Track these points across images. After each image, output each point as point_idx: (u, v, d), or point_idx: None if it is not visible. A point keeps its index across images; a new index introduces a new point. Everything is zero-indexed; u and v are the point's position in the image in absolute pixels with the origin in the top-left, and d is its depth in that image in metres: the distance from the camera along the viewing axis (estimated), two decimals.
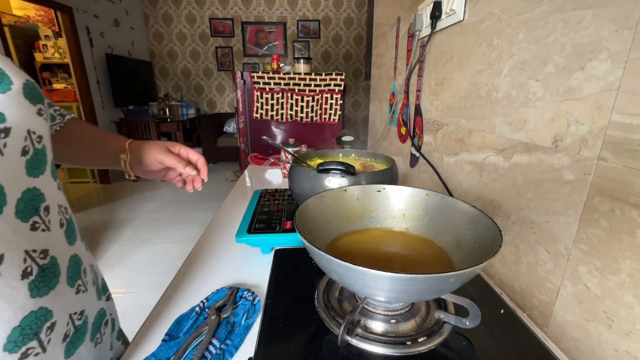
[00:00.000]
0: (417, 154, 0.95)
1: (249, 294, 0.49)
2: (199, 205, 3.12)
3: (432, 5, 0.78)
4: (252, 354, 0.37)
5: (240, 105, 1.74)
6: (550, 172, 0.45)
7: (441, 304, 0.44)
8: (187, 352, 0.39)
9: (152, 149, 0.51)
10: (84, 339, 0.33)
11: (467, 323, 0.37)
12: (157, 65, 4.51)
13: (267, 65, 2.05)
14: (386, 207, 0.53)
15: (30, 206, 0.27)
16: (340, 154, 0.85)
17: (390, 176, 0.66)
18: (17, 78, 0.27)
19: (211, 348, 0.40)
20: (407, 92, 1.03)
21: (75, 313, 0.31)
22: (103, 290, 0.40)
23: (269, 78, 1.67)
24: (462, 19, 0.68)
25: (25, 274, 0.26)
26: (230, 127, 4.41)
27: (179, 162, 0.51)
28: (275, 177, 1.23)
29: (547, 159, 0.46)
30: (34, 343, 0.27)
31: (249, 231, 0.64)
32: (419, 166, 0.95)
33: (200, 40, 4.43)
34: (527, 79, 0.50)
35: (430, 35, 0.82)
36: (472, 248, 0.41)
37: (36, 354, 0.27)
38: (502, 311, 0.44)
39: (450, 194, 0.72)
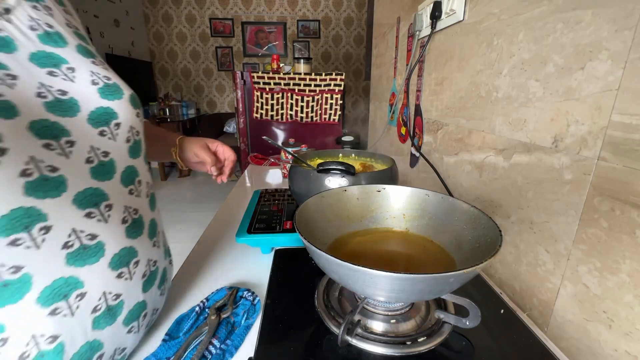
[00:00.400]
0: (417, 154, 0.95)
1: (249, 294, 0.49)
2: (199, 205, 3.12)
3: (432, 5, 0.78)
4: (252, 354, 0.37)
5: (240, 105, 1.74)
6: (550, 172, 0.45)
7: (441, 304, 0.44)
8: (187, 352, 0.39)
9: (194, 144, 0.63)
10: (115, 321, 0.36)
11: (467, 323, 0.37)
12: (157, 65, 4.51)
13: (267, 65, 2.05)
14: (386, 207, 0.53)
15: (130, 178, 0.38)
16: (340, 154, 0.85)
17: (390, 176, 0.66)
18: (126, 90, 0.39)
19: (211, 348, 0.40)
20: (407, 92, 1.03)
21: (110, 293, 0.35)
22: (154, 286, 0.42)
23: (269, 78, 1.67)
24: (462, 19, 0.68)
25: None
26: (230, 127, 4.41)
27: (209, 158, 0.62)
28: (275, 177, 1.24)
29: (547, 159, 0.46)
30: (62, 304, 0.31)
31: (249, 231, 0.64)
32: (419, 166, 0.95)
33: (200, 40, 4.43)
34: (527, 79, 0.50)
35: (430, 35, 0.82)
36: (472, 248, 0.41)
37: (64, 315, 0.31)
38: (502, 311, 0.44)
39: (450, 194, 0.72)
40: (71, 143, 0.32)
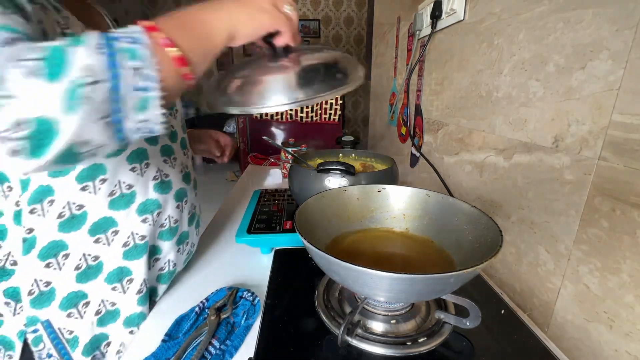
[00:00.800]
0: (417, 154, 0.95)
1: (249, 294, 0.49)
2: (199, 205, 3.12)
3: (432, 4, 0.78)
4: (252, 354, 0.37)
5: None
6: (551, 172, 0.45)
7: (441, 304, 0.44)
8: (186, 353, 0.39)
9: (200, 135, 0.77)
10: (172, 239, 0.51)
11: (468, 323, 0.37)
12: None
13: None
14: (386, 207, 0.53)
15: (167, 152, 0.50)
16: (340, 154, 0.85)
17: (390, 176, 0.66)
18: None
19: (211, 348, 0.40)
20: (407, 91, 1.03)
21: (172, 217, 0.50)
22: (195, 225, 0.59)
23: None
24: (462, 18, 0.68)
25: (110, 194, 0.43)
26: (230, 127, 4.40)
27: (211, 145, 0.78)
28: (275, 177, 1.23)
29: (547, 159, 0.46)
30: (149, 216, 0.46)
31: (249, 231, 0.64)
32: (419, 166, 0.95)
33: None
34: (528, 79, 0.50)
35: (430, 35, 0.82)
36: (472, 248, 0.41)
37: (150, 224, 0.46)
38: (502, 311, 0.44)
39: (451, 194, 0.72)
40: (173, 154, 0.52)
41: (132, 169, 0.43)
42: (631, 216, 0.34)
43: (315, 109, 1.73)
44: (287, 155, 1.13)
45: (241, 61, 0.49)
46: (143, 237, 0.45)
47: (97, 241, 0.42)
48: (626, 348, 0.36)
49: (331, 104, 1.72)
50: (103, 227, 0.42)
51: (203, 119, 4.28)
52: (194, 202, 0.57)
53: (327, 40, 4.44)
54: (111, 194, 0.42)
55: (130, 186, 0.43)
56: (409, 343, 0.38)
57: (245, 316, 0.46)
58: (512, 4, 0.53)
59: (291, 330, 0.41)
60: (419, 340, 0.38)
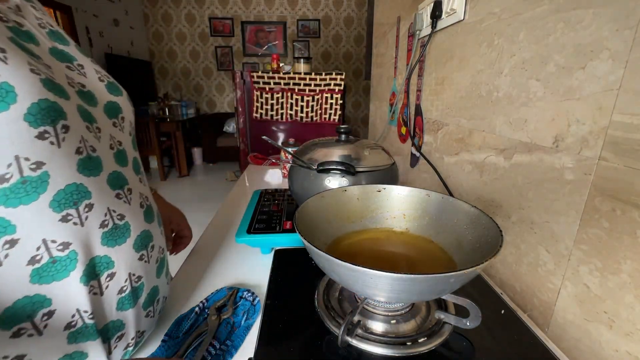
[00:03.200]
0: (417, 154, 0.95)
1: (249, 294, 0.49)
2: (199, 205, 3.12)
3: (432, 4, 0.78)
4: (252, 354, 0.37)
5: (240, 105, 1.74)
6: (551, 172, 0.45)
7: (441, 305, 0.44)
8: (187, 353, 0.39)
9: (166, 209, 0.62)
10: (137, 302, 0.38)
11: (468, 323, 0.37)
12: (157, 65, 4.51)
13: (267, 64, 2.05)
14: (386, 207, 0.53)
15: (136, 167, 0.40)
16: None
17: (390, 176, 0.66)
18: (123, 90, 0.41)
19: (211, 349, 0.40)
20: (407, 91, 1.03)
21: (134, 275, 0.37)
22: (163, 273, 0.44)
23: (268, 78, 1.67)
24: (462, 18, 0.68)
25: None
26: (230, 127, 4.41)
27: (167, 235, 0.62)
28: (275, 177, 1.23)
29: (547, 159, 0.46)
30: (95, 283, 0.33)
31: (249, 231, 0.64)
32: (419, 166, 0.95)
33: (200, 39, 4.43)
34: (528, 79, 0.50)
35: (430, 35, 0.82)
36: (472, 248, 0.41)
37: (95, 293, 0.33)
38: (502, 311, 0.44)
39: (451, 194, 0.72)
40: (99, 129, 0.34)
41: (64, 219, 0.29)
42: (631, 216, 0.34)
43: (315, 108, 1.73)
44: (287, 155, 1.13)
45: None
46: (91, 315, 0.32)
47: (15, 335, 0.28)
48: (626, 348, 0.36)
49: (331, 103, 1.72)
50: (21, 314, 0.28)
51: (203, 119, 4.28)
52: (161, 244, 0.43)
53: (327, 39, 4.45)
54: (32, 261, 0.28)
55: (65, 245, 0.29)
56: (409, 343, 0.38)
57: (245, 316, 0.46)
58: (512, 4, 0.53)
59: (291, 330, 0.41)
60: (419, 341, 0.38)
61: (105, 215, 0.33)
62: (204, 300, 0.48)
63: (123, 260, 0.35)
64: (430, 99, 0.87)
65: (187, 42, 4.43)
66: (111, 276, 0.34)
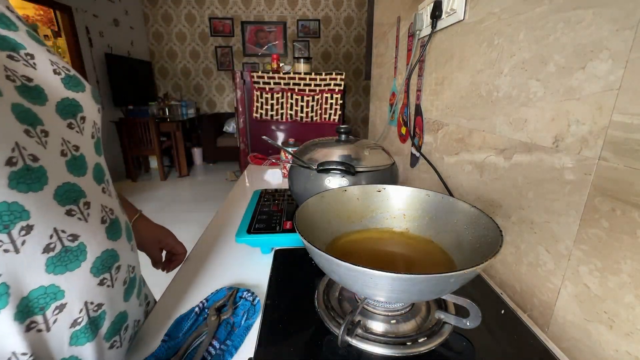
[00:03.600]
0: (417, 154, 0.95)
1: (249, 294, 0.49)
2: (199, 205, 3.12)
3: (432, 4, 0.78)
4: (252, 355, 0.37)
5: (240, 105, 1.74)
6: (551, 172, 0.45)
7: (441, 304, 0.44)
8: (186, 353, 0.39)
9: (148, 235, 0.60)
10: (97, 335, 0.33)
11: (468, 323, 0.37)
12: (157, 65, 4.51)
13: (267, 65, 2.05)
14: (386, 207, 0.53)
15: (99, 176, 0.34)
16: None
17: (390, 176, 0.66)
18: (87, 84, 0.36)
19: (210, 349, 0.40)
20: (407, 91, 1.03)
21: (92, 303, 0.32)
22: (133, 295, 0.39)
23: (268, 78, 1.67)
24: (462, 18, 0.68)
25: (47, 249, 0.28)
26: (230, 127, 4.41)
27: (157, 258, 0.62)
28: (275, 177, 1.23)
29: (547, 159, 0.46)
30: (39, 318, 0.28)
31: (249, 231, 0.64)
32: (419, 166, 0.95)
33: (200, 40, 4.43)
34: (528, 79, 0.50)
35: (430, 35, 0.82)
36: (472, 248, 0.41)
37: (39, 330, 0.28)
38: (502, 311, 0.44)
39: (451, 194, 0.72)
40: (45, 133, 0.28)
41: None
42: (631, 216, 0.34)
43: (315, 108, 1.73)
44: (287, 155, 1.13)
45: None
46: (31, 357, 0.28)
47: None
48: (626, 348, 0.36)
49: (331, 103, 1.72)
50: None
51: (203, 119, 4.28)
52: (131, 262, 0.38)
53: (327, 39, 4.44)
54: None
55: None
56: (409, 343, 0.38)
57: (245, 316, 0.46)
58: (512, 4, 0.53)
59: (291, 330, 0.41)
60: (419, 341, 0.38)
61: (51, 237, 0.27)
62: (204, 300, 0.48)
63: (76, 288, 0.30)
64: (430, 99, 0.87)
65: (187, 42, 4.43)
66: (60, 308, 0.29)
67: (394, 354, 0.37)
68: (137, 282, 0.40)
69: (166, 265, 0.64)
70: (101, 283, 0.32)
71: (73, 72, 0.35)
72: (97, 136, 0.36)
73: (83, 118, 0.34)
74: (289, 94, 1.70)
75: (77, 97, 0.33)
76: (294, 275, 0.53)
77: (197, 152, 4.44)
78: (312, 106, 1.73)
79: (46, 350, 0.29)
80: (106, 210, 0.34)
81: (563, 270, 0.44)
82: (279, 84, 1.68)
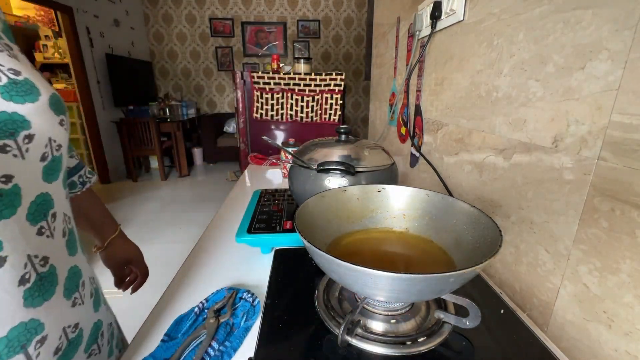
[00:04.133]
0: (417, 154, 0.95)
1: (249, 295, 0.49)
2: (199, 205, 3.12)
3: (432, 5, 0.78)
4: (251, 355, 0.37)
5: (240, 105, 1.74)
6: (550, 172, 0.45)
7: (441, 304, 0.44)
8: (185, 353, 0.39)
9: (117, 255, 0.62)
10: (77, 351, 0.32)
11: (467, 323, 0.37)
12: (157, 65, 4.51)
13: (267, 65, 2.05)
14: (386, 207, 0.53)
15: (40, 210, 0.28)
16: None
17: (390, 176, 0.66)
18: (45, 91, 0.29)
19: (209, 350, 0.40)
20: (407, 92, 1.03)
21: (69, 326, 0.30)
22: (100, 302, 0.40)
23: (269, 78, 1.67)
24: (462, 19, 0.68)
25: (22, 281, 0.25)
26: (230, 127, 4.41)
27: (118, 276, 0.64)
28: (275, 177, 1.23)
29: (547, 159, 0.46)
30: (20, 357, 0.26)
31: (249, 231, 0.64)
32: (419, 166, 0.95)
33: (200, 40, 4.43)
34: (527, 79, 0.50)
35: (430, 35, 0.82)
36: (472, 248, 0.41)
37: None
38: (502, 311, 0.44)
39: (450, 194, 0.72)
40: None
41: None
42: (631, 216, 0.34)
43: (315, 108, 1.73)
44: (287, 155, 1.13)
45: None
46: None
47: None
48: (626, 348, 0.36)
49: (331, 104, 1.72)
50: None
51: (204, 119, 4.28)
52: (90, 273, 0.37)
53: (327, 40, 4.45)
54: None
55: None
56: (408, 343, 0.38)
57: (245, 317, 0.46)
58: (512, 4, 0.53)
59: (291, 330, 0.41)
60: (419, 340, 0.38)
61: (25, 266, 0.25)
62: (204, 301, 0.48)
63: (54, 317, 0.28)
64: (429, 99, 0.87)
65: (188, 43, 4.43)
66: (42, 341, 0.27)
67: (393, 354, 0.37)
68: (99, 291, 0.39)
69: (127, 286, 0.65)
70: (74, 304, 0.30)
71: (26, 75, 0.27)
72: (50, 159, 0.29)
73: (29, 136, 0.26)
74: (289, 94, 1.71)
75: (22, 109, 0.26)
76: (294, 275, 0.53)
77: (197, 152, 4.44)
78: (312, 106, 1.73)
79: None
80: (63, 221, 0.31)
81: (562, 270, 0.44)
82: (279, 84, 1.68)
